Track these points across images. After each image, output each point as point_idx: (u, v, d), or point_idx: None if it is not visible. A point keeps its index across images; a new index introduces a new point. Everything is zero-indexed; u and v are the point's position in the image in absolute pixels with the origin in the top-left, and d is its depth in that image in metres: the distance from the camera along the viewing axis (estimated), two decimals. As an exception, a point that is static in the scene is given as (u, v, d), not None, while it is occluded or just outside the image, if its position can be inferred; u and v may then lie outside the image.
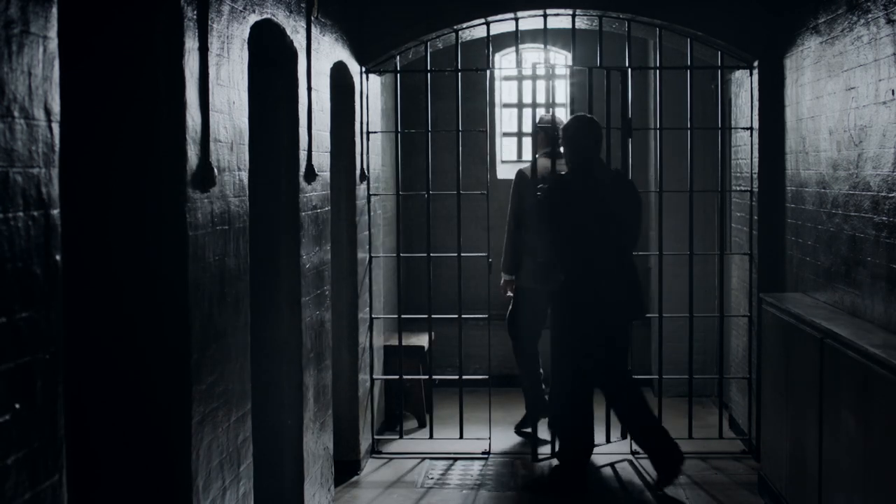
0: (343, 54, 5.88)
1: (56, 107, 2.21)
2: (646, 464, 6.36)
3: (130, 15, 3.22)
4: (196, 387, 3.37)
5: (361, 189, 6.39)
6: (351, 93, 6.21)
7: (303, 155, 4.91)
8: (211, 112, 3.50)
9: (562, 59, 8.89)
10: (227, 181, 3.70)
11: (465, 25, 6.59)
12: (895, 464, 3.60)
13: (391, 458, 6.56)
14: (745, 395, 6.65)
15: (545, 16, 6.54)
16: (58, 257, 2.21)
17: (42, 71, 2.15)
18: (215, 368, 3.57)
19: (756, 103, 6.40)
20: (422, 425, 7.24)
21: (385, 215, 7.37)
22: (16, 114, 2.06)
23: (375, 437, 6.71)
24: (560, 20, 6.70)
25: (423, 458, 6.52)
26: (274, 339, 4.82)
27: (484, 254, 6.78)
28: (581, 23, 6.71)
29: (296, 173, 4.83)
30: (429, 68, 6.64)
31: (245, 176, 3.92)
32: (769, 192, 6.30)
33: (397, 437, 6.84)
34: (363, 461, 6.36)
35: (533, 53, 8.98)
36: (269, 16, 4.26)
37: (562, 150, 6.10)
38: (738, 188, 6.82)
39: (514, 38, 6.66)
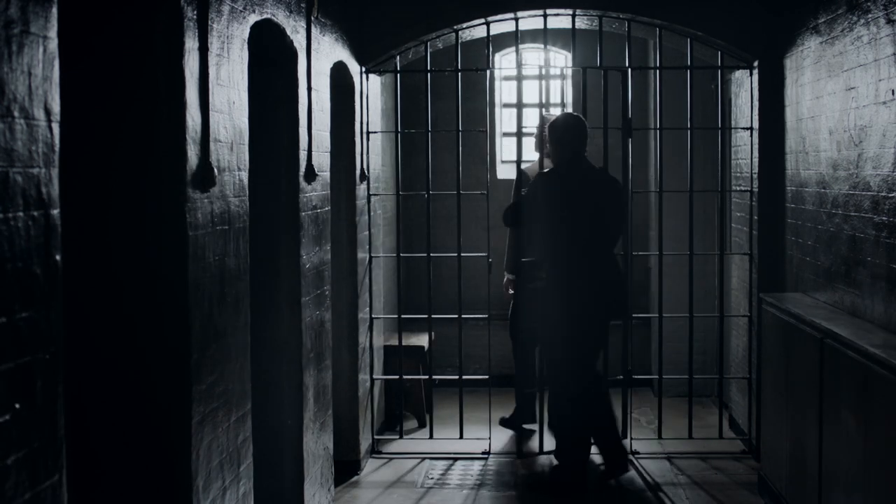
0: (343, 54, 5.88)
1: (56, 107, 2.21)
2: (646, 463, 6.37)
3: (130, 15, 3.22)
4: (196, 387, 3.37)
5: (361, 189, 6.39)
6: (351, 93, 6.21)
7: (303, 155, 4.91)
8: (211, 112, 3.50)
9: (562, 59, 8.89)
10: (227, 181, 3.70)
11: (465, 25, 6.59)
12: (895, 464, 3.60)
13: (391, 458, 6.56)
14: (745, 395, 6.65)
15: (545, 16, 6.54)
16: (58, 257, 2.21)
17: (42, 71, 2.15)
18: (215, 368, 3.57)
19: (756, 103, 6.40)
20: (422, 425, 7.24)
21: (385, 215, 7.37)
22: (16, 114, 2.06)
23: (375, 437, 6.71)
24: (560, 20, 6.70)
25: (423, 458, 6.53)
26: (274, 339, 4.82)
27: (484, 254, 6.78)
28: (581, 23, 6.71)
29: (296, 173, 4.83)
30: (429, 68, 6.64)
31: (245, 176, 3.92)
32: (769, 192, 6.30)
33: (397, 437, 6.84)
34: (363, 461, 6.36)
35: (533, 53, 8.98)
36: (269, 16, 4.26)
37: (548, 147, 6.13)
38: (738, 188, 6.82)
39: (514, 38, 6.66)
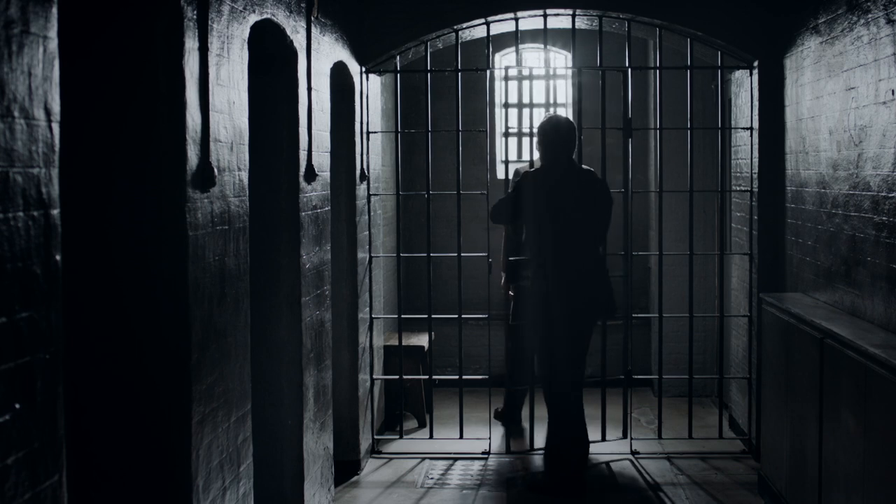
0: (343, 54, 5.88)
1: (56, 107, 2.21)
2: (646, 463, 6.37)
3: (130, 15, 3.22)
4: (196, 387, 3.37)
5: (361, 189, 6.39)
6: (351, 93, 6.21)
7: (303, 155, 4.91)
8: (211, 112, 3.50)
9: (562, 59, 8.90)
10: (227, 181, 3.70)
11: (465, 25, 6.59)
12: (895, 464, 3.60)
13: (391, 458, 6.56)
14: (745, 395, 6.65)
15: (545, 16, 6.54)
16: (58, 257, 2.21)
17: (42, 71, 2.15)
18: (215, 368, 3.57)
19: (756, 103, 6.40)
20: (422, 425, 7.25)
21: (385, 215, 7.37)
22: (16, 114, 2.06)
23: (375, 437, 6.71)
24: (560, 20, 6.70)
25: (423, 458, 6.53)
26: (274, 339, 4.82)
27: (484, 254, 6.78)
28: (581, 23, 6.71)
29: (296, 173, 4.83)
30: (429, 68, 6.64)
31: (245, 176, 3.92)
32: (769, 192, 6.30)
33: (397, 437, 6.84)
34: (363, 461, 6.36)
35: (533, 53, 8.99)
36: (269, 16, 4.26)
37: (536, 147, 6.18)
38: (738, 188, 6.82)
39: (514, 38, 6.66)
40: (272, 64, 4.70)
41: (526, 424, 6.88)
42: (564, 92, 8.80)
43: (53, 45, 2.20)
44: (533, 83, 7.05)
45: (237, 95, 3.82)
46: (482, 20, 6.55)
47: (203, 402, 3.43)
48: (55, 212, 2.21)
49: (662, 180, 6.65)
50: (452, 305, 6.99)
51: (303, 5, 4.83)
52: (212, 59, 3.51)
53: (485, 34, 6.71)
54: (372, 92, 6.64)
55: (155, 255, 3.28)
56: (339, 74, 5.92)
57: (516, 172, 6.82)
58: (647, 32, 6.89)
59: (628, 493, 5.91)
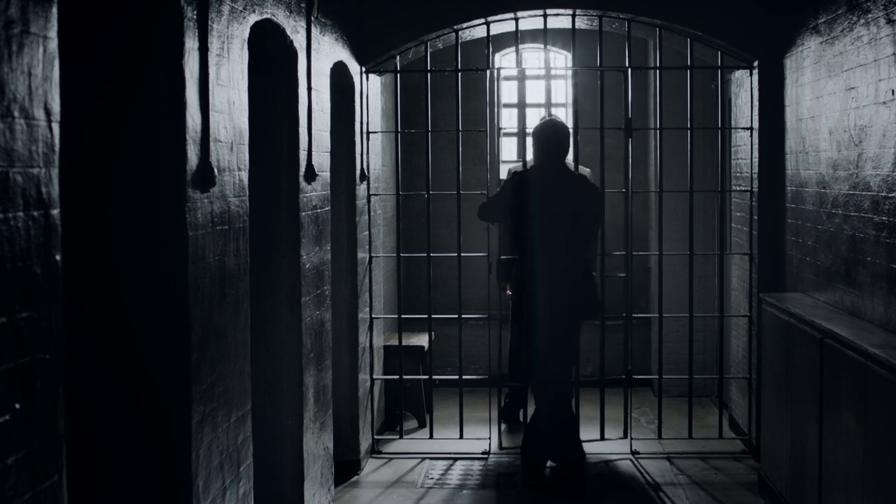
0: (343, 54, 5.88)
1: (56, 107, 2.21)
2: (646, 463, 6.37)
3: (130, 15, 3.22)
4: (196, 387, 3.37)
5: (361, 189, 6.39)
6: (351, 93, 6.21)
7: (303, 155, 4.91)
8: (211, 112, 3.50)
9: (562, 59, 8.89)
10: (227, 181, 3.70)
11: (465, 25, 6.59)
12: (895, 464, 3.60)
13: (391, 458, 6.56)
14: (745, 395, 6.65)
15: (545, 16, 6.54)
16: (58, 257, 2.21)
17: (42, 71, 2.15)
18: (215, 368, 3.57)
19: (756, 103, 6.40)
20: (422, 425, 7.24)
21: (385, 215, 7.37)
22: (16, 114, 2.06)
23: (375, 437, 6.71)
24: (560, 20, 6.70)
25: (423, 458, 6.53)
26: (274, 339, 4.82)
27: (484, 254, 6.78)
28: (581, 23, 6.71)
29: (296, 173, 4.83)
30: (429, 68, 6.64)
31: (245, 176, 3.92)
32: (769, 192, 6.30)
33: (397, 437, 6.84)
34: (363, 461, 6.36)
35: (533, 53, 8.99)
36: (269, 16, 4.26)
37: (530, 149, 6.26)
38: (738, 188, 6.82)
39: (514, 38, 6.66)
40: (272, 64, 4.70)
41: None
42: (565, 92, 8.80)
43: (53, 45, 2.20)
44: (531, 83, 7.05)
45: (237, 95, 3.82)
46: (482, 20, 6.55)
47: (203, 402, 3.43)
48: (55, 212, 2.21)
49: (662, 180, 6.65)
50: (452, 305, 6.99)
51: (303, 5, 4.83)
52: (212, 59, 3.51)
53: (485, 34, 6.71)
54: (372, 92, 6.64)
55: (155, 255, 3.28)
56: (339, 74, 5.92)
57: (509, 172, 6.84)
58: (647, 32, 6.89)
59: (628, 493, 5.91)
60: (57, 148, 2.22)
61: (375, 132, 6.76)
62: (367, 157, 6.54)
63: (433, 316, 6.77)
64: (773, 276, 6.23)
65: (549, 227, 5.91)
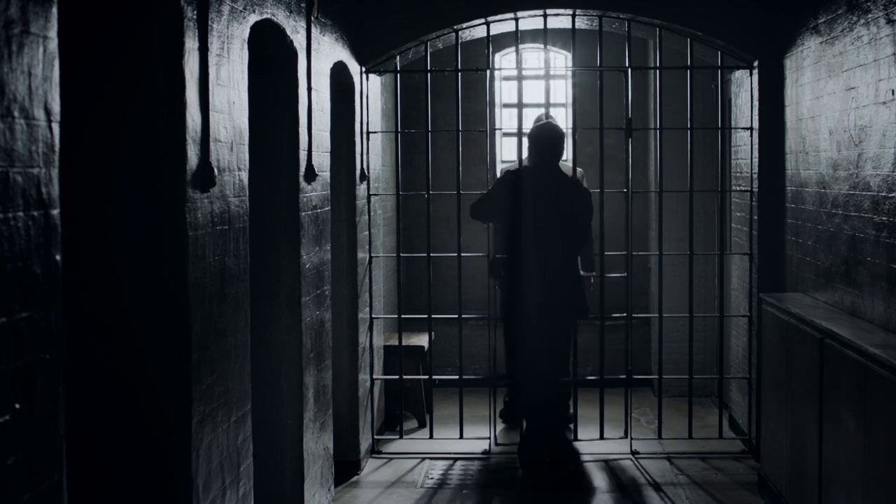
0: (343, 54, 5.88)
1: (56, 107, 2.21)
2: (646, 463, 6.37)
3: (130, 15, 3.22)
4: (196, 387, 3.37)
5: (361, 189, 6.39)
6: (351, 93, 6.21)
7: (303, 155, 4.91)
8: (211, 112, 3.50)
9: (562, 59, 8.89)
10: (227, 181, 3.70)
11: (465, 25, 6.59)
12: (895, 464, 3.60)
13: (391, 458, 6.56)
14: (745, 395, 6.65)
15: (545, 16, 6.54)
16: (58, 257, 2.21)
17: (42, 71, 2.15)
18: (215, 368, 3.57)
19: (756, 103, 6.40)
20: (422, 425, 7.24)
21: (385, 215, 7.37)
22: (16, 114, 2.05)
23: (375, 437, 6.71)
24: (560, 20, 6.70)
25: (423, 458, 6.52)
26: (274, 339, 4.82)
27: (484, 254, 6.78)
28: (581, 23, 6.71)
29: (296, 173, 4.83)
30: (429, 68, 6.64)
31: (245, 176, 3.92)
32: (769, 192, 6.30)
33: (397, 437, 6.84)
34: (363, 461, 6.36)
35: (533, 53, 8.98)
36: (269, 16, 4.26)
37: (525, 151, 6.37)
38: (738, 188, 6.82)
39: (514, 38, 6.66)
40: (272, 64, 4.70)
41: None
42: (565, 92, 8.80)
43: (53, 45, 2.20)
44: (531, 83, 7.05)
45: (237, 95, 3.82)
46: (482, 20, 6.55)
47: (203, 402, 3.43)
48: (55, 212, 2.21)
49: (662, 180, 6.65)
50: (452, 305, 6.99)
51: (303, 5, 4.83)
52: (212, 59, 3.51)
53: (485, 34, 6.71)
54: (372, 92, 6.64)
55: (155, 255, 3.28)
56: (339, 74, 5.92)
57: (502, 171, 6.87)
58: (647, 32, 6.89)
59: (628, 492, 5.91)
60: (57, 148, 2.22)
61: (375, 132, 6.76)
62: (367, 157, 6.54)
63: (433, 316, 6.77)
64: (773, 276, 6.23)
65: (541, 228, 5.99)
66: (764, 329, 5.66)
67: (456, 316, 6.72)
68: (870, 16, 4.50)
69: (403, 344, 6.96)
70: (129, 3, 3.22)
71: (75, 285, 3.07)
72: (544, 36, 6.66)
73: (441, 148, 8.17)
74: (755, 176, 6.40)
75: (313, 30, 5.03)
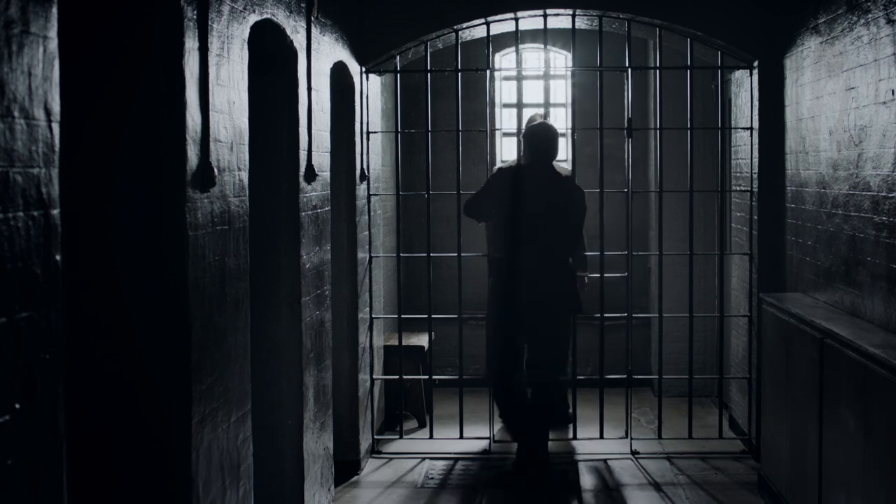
0: (343, 54, 5.88)
1: (56, 107, 2.21)
2: (646, 463, 6.37)
3: (130, 15, 3.22)
4: (196, 387, 3.37)
5: (361, 189, 6.39)
6: (351, 93, 6.21)
7: (303, 155, 4.91)
8: (211, 112, 3.50)
9: (562, 59, 8.89)
10: (227, 181, 3.70)
11: (465, 25, 6.59)
12: (895, 464, 3.60)
13: (391, 458, 6.56)
14: (745, 395, 6.65)
15: (545, 16, 6.54)
16: (58, 257, 2.21)
17: (42, 71, 2.15)
18: (215, 368, 3.57)
19: (756, 103, 6.40)
20: (422, 425, 7.24)
21: (385, 215, 7.37)
22: (16, 114, 2.05)
23: (375, 437, 6.71)
24: (560, 20, 6.70)
25: (423, 458, 6.53)
26: (274, 339, 4.82)
27: (484, 254, 6.78)
28: (581, 23, 6.71)
29: (296, 173, 4.83)
30: (429, 68, 6.64)
31: (245, 176, 3.92)
32: (769, 192, 6.30)
33: (397, 437, 6.84)
34: (363, 461, 6.36)
35: (533, 53, 8.98)
36: (269, 16, 4.26)
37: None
38: (738, 188, 6.82)
39: (514, 38, 6.66)
40: (272, 64, 4.70)
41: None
42: (564, 92, 8.80)
43: (53, 45, 2.20)
44: (531, 83, 7.05)
45: (237, 95, 3.82)
46: (482, 20, 6.55)
47: (203, 402, 3.43)
48: (55, 212, 2.21)
49: (662, 180, 6.65)
50: (452, 305, 6.98)
51: (303, 5, 4.83)
52: (212, 59, 3.51)
53: (485, 34, 6.71)
54: (372, 92, 6.64)
55: (155, 255, 3.28)
56: (339, 74, 5.92)
57: (495, 169, 6.87)
58: (647, 32, 6.89)
59: (628, 492, 5.91)
60: (57, 148, 2.22)
61: (375, 132, 6.76)
62: (367, 157, 6.54)
63: (433, 316, 6.78)
64: (773, 276, 6.23)
65: (533, 225, 6.02)
66: (764, 329, 5.66)
67: (456, 316, 6.73)
68: (870, 16, 4.50)
69: (403, 344, 6.96)
70: (129, 3, 3.22)
71: (75, 285, 3.07)
72: (544, 36, 6.66)
73: (441, 148, 8.17)
74: (755, 176, 6.40)
75: (313, 30, 5.02)
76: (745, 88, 6.63)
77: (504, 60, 8.95)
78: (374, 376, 6.71)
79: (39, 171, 2.14)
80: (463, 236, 6.70)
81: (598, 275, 6.63)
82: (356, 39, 6.28)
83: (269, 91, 4.72)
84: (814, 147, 5.43)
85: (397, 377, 6.74)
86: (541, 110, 7.76)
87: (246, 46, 3.94)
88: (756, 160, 6.39)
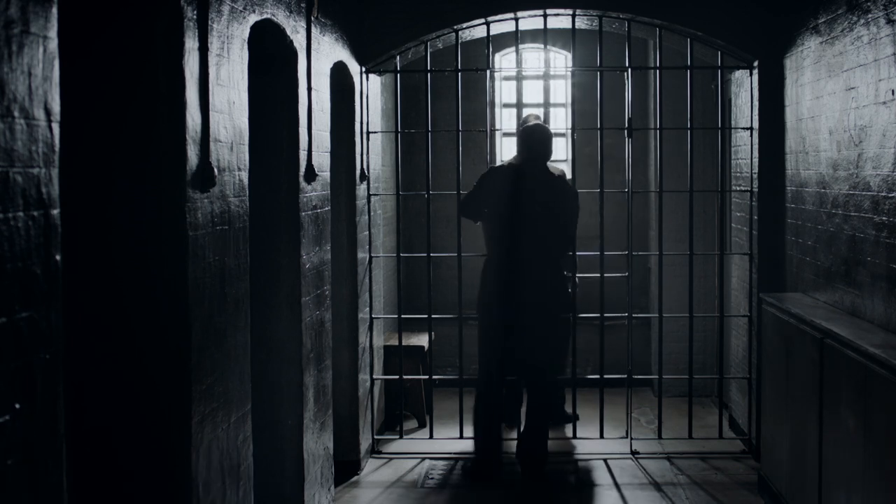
0: (343, 54, 5.88)
1: (56, 107, 2.21)
2: (646, 463, 6.37)
3: (130, 15, 3.22)
4: (196, 387, 3.37)
5: (361, 189, 6.39)
6: (351, 93, 6.21)
7: (303, 155, 4.91)
8: (211, 112, 3.50)
9: (562, 59, 8.89)
10: (227, 181, 3.70)
11: (465, 25, 6.59)
12: (895, 464, 3.60)
13: (391, 458, 6.56)
14: (745, 395, 6.65)
15: (545, 16, 6.54)
16: (58, 257, 2.21)
17: (42, 71, 2.15)
18: (215, 368, 3.57)
19: (756, 103, 6.40)
20: (422, 425, 7.24)
21: (385, 215, 7.37)
22: (16, 114, 2.05)
23: (375, 437, 6.71)
24: (560, 20, 6.70)
25: (423, 458, 6.52)
26: (274, 339, 4.82)
27: (484, 254, 6.77)
28: (581, 23, 6.71)
29: (296, 173, 4.83)
30: (429, 68, 6.64)
31: (245, 176, 3.92)
32: (769, 192, 6.30)
33: (397, 437, 6.84)
34: (363, 461, 6.36)
35: (533, 53, 8.98)
36: (269, 16, 4.26)
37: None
38: (738, 188, 6.82)
39: (514, 38, 6.66)
40: (272, 64, 4.70)
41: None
42: (564, 92, 8.80)
43: (53, 45, 2.20)
44: (531, 83, 7.05)
45: (237, 95, 3.82)
46: (482, 20, 6.55)
47: (203, 402, 3.43)
48: (55, 212, 2.21)
49: (662, 180, 6.65)
50: (452, 305, 6.99)
51: (303, 5, 4.83)
52: (212, 59, 3.51)
53: (485, 34, 6.71)
54: (372, 92, 6.64)
55: (155, 255, 3.28)
56: (339, 74, 5.92)
57: (488, 168, 6.87)
58: (647, 32, 6.89)
59: (628, 492, 5.91)
60: (57, 148, 2.22)
61: (375, 132, 6.76)
62: (367, 157, 6.54)
63: (433, 316, 6.78)
64: (773, 276, 6.23)
65: (526, 225, 6.02)
66: (764, 329, 5.66)
67: (456, 316, 6.73)
68: (870, 16, 4.50)
69: (403, 344, 6.96)
70: (129, 3, 3.22)
71: (75, 285, 3.07)
72: (544, 36, 6.66)
73: (441, 148, 8.17)
74: (755, 176, 6.40)
75: (313, 30, 5.02)
76: (745, 88, 6.63)
77: (504, 60, 8.95)
78: (374, 376, 6.71)
79: (39, 171, 2.14)
80: (463, 236, 6.71)
81: (598, 275, 6.64)
82: (356, 39, 6.28)
83: (269, 91, 4.72)
84: (814, 147, 5.43)
85: (397, 377, 6.74)
86: (535, 110, 7.77)
87: (246, 46, 3.94)
88: (756, 160, 6.39)
